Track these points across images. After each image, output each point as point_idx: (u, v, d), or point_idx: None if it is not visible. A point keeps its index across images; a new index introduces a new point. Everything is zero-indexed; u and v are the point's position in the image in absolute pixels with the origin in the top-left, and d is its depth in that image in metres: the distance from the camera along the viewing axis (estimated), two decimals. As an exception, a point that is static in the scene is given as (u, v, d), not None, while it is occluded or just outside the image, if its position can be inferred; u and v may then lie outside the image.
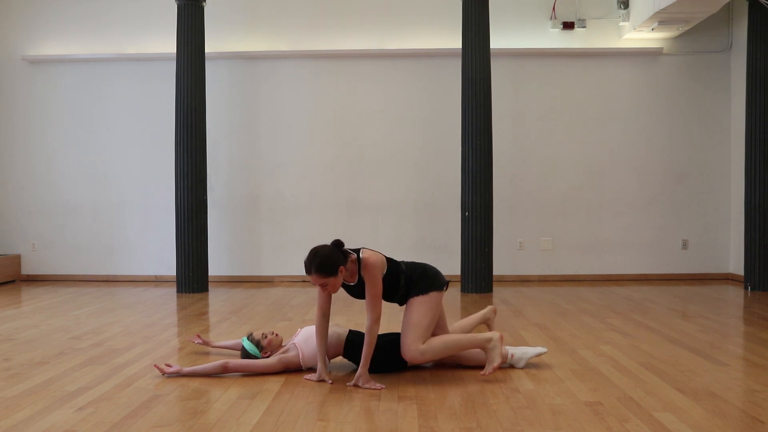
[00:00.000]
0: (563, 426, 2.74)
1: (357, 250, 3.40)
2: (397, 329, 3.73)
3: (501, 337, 3.49)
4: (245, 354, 3.68)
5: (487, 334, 3.52)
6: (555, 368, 3.66)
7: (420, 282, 3.50)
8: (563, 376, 3.50)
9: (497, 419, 2.83)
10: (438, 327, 3.63)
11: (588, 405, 3.01)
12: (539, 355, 3.71)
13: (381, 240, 7.47)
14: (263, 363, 3.56)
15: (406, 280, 3.50)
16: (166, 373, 3.52)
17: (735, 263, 7.40)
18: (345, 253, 3.35)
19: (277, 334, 3.71)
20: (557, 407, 2.98)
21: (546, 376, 3.51)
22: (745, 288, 6.65)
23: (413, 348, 3.40)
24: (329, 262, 3.24)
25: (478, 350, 3.58)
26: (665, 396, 3.13)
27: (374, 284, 3.33)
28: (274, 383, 3.41)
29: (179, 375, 3.53)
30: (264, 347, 3.65)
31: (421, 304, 3.46)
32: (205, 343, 3.99)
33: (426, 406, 3.03)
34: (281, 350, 3.69)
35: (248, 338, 3.70)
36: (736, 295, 6.38)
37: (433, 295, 3.49)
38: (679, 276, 7.51)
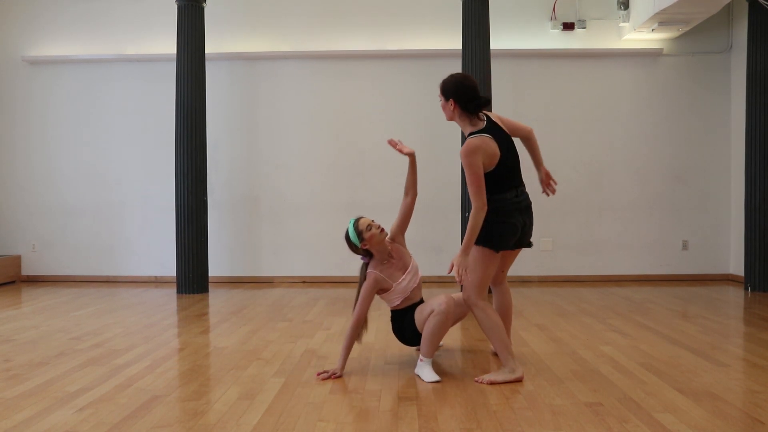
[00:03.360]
0: (563, 426, 2.74)
1: (488, 123, 3.38)
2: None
3: (518, 379, 3.37)
4: (347, 236, 3.63)
5: (518, 368, 3.39)
6: (555, 369, 3.66)
7: (483, 229, 3.32)
8: (563, 376, 3.50)
9: (497, 419, 2.83)
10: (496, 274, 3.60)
11: (588, 406, 3.01)
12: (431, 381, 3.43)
13: (381, 240, 7.47)
14: (369, 297, 3.55)
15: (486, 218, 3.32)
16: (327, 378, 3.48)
17: (735, 264, 7.40)
18: (478, 106, 3.37)
19: (382, 230, 3.59)
20: (557, 408, 2.98)
21: (546, 376, 3.51)
22: (746, 289, 6.65)
23: (465, 295, 3.45)
24: (447, 87, 3.39)
25: None
26: (665, 397, 3.13)
27: (468, 173, 3.24)
28: (275, 384, 3.41)
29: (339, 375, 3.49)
30: (365, 239, 3.57)
31: (474, 252, 3.37)
32: (398, 144, 3.79)
33: (426, 406, 3.03)
34: (383, 258, 3.62)
35: (355, 223, 3.61)
36: (736, 296, 6.38)
37: (479, 248, 3.36)
38: (680, 277, 7.51)
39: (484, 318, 3.41)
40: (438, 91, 3.52)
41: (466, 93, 3.36)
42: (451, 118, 3.48)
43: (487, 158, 3.29)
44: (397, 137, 7.44)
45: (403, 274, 3.62)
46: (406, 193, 3.82)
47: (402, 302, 3.64)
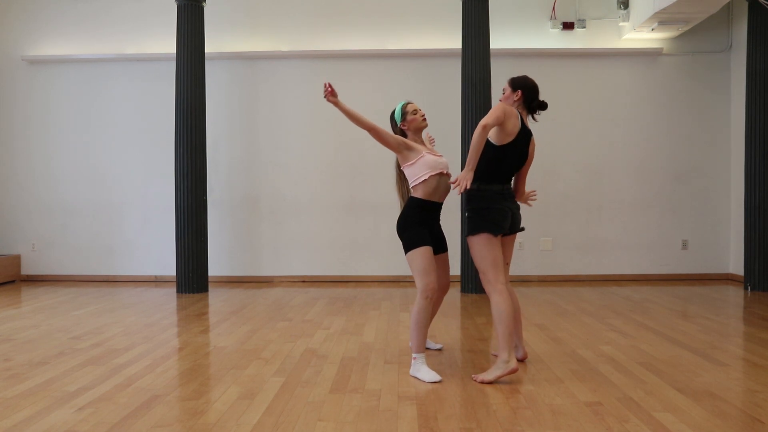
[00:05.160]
0: (563, 426, 2.74)
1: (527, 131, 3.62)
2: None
3: (513, 370, 3.35)
4: (392, 114, 3.85)
5: (511, 359, 3.37)
6: (555, 368, 3.66)
7: (470, 219, 3.63)
8: (563, 376, 3.50)
9: (497, 419, 2.83)
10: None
11: (588, 405, 3.01)
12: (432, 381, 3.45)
13: (381, 240, 7.48)
14: (392, 138, 3.64)
15: (470, 210, 3.64)
16: (328, 91, 3.55)
17: (735, 263, 7.40)
18: (537, 107, 3.63)
19: (424, 118, 3.77)
20: (557, 407, 2.98)
21: (546, 376, 3.51)
22: (745, 288, 6.65)
23: (485, 281, 3.56)
24: (518, 80, 3.64)
25: None
26: (665, 396, 3.13)
27: (489, 112, 3.48)
28: (275, 383, 3.41)
29: (334, 103, 3.60)
30: (406, 121, 3.75)
31: (471, 245, 3.61)
32: None
33: (426, 406, 3.03)
34: (416, 140, 3.76)
35: (405, 104, 3.78)
36: (735, 295, 6.38)
37: (479, 236, 3.57)
38: (679, 276, 7.51)
39: (495, 304, 3.47)
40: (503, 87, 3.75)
41: (533, 91, 3.64)
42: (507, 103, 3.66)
43: (507, 125, 3.51)
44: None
45: (435, 155, 3.68)
46: None
47: (426, 182, 3.62)
